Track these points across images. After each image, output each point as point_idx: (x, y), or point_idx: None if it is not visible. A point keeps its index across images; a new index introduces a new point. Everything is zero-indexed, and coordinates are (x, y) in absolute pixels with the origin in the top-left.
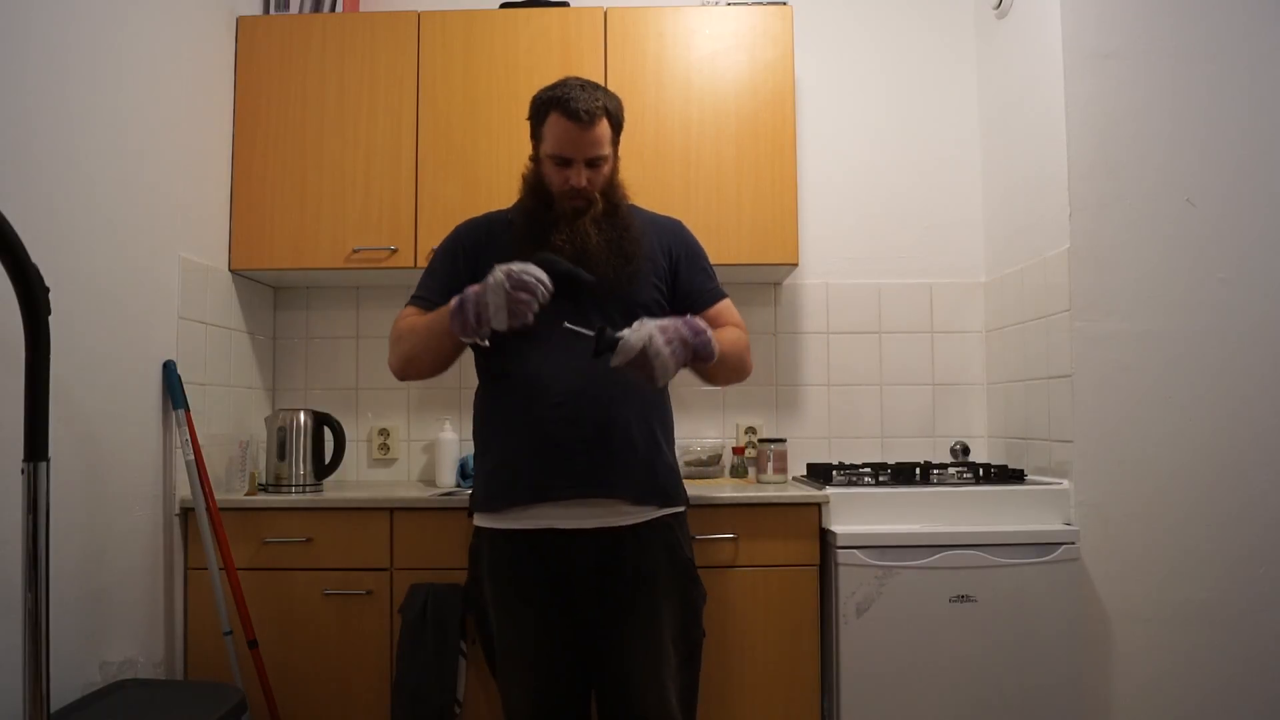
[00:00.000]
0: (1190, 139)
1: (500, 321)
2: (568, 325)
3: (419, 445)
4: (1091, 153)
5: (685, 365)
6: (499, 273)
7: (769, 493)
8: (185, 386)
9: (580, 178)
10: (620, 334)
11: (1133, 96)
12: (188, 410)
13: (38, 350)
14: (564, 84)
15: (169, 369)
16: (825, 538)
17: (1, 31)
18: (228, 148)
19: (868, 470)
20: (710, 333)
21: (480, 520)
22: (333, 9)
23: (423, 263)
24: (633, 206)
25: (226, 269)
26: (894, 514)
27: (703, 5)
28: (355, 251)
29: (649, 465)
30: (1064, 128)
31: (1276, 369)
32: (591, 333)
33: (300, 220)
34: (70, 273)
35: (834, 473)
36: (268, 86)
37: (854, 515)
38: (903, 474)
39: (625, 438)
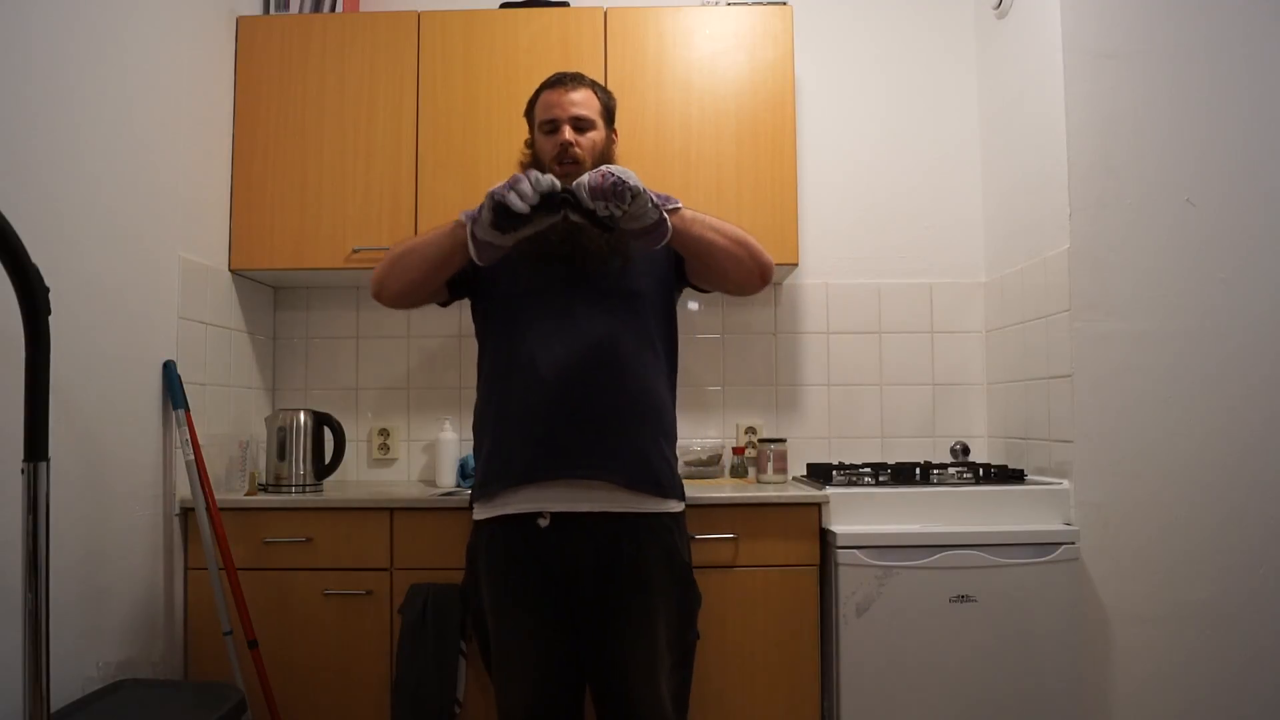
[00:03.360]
0: (1190, 139)
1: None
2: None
3: (419, 445)
4: (1091, 153)
5: (650, 201)
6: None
7: (769, 493)
8: (185, 386)
9: (566, 134)
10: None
11: (1133, 96)
12: (188, 410)
13: (38, 350)
14: None
15: (169, 369)
16: (825, 538)
17: (2, 32)
18: (228, 148)
19: (868, 470)
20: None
21: (478, 511)
22: (333, 9)
23: None
24: None
25: (226, 269)
26: (894, 514)
27: (703, 5)
28: (355, 251)
29: (640, 451)
30: (1064, 128)
31: (1276, 369)
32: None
33: (300, 220)
34: (70, 273)
35: (834, 473)
36: (268, 86)
37: (854, 515)
38: (903, 474)
39: (615, 420)
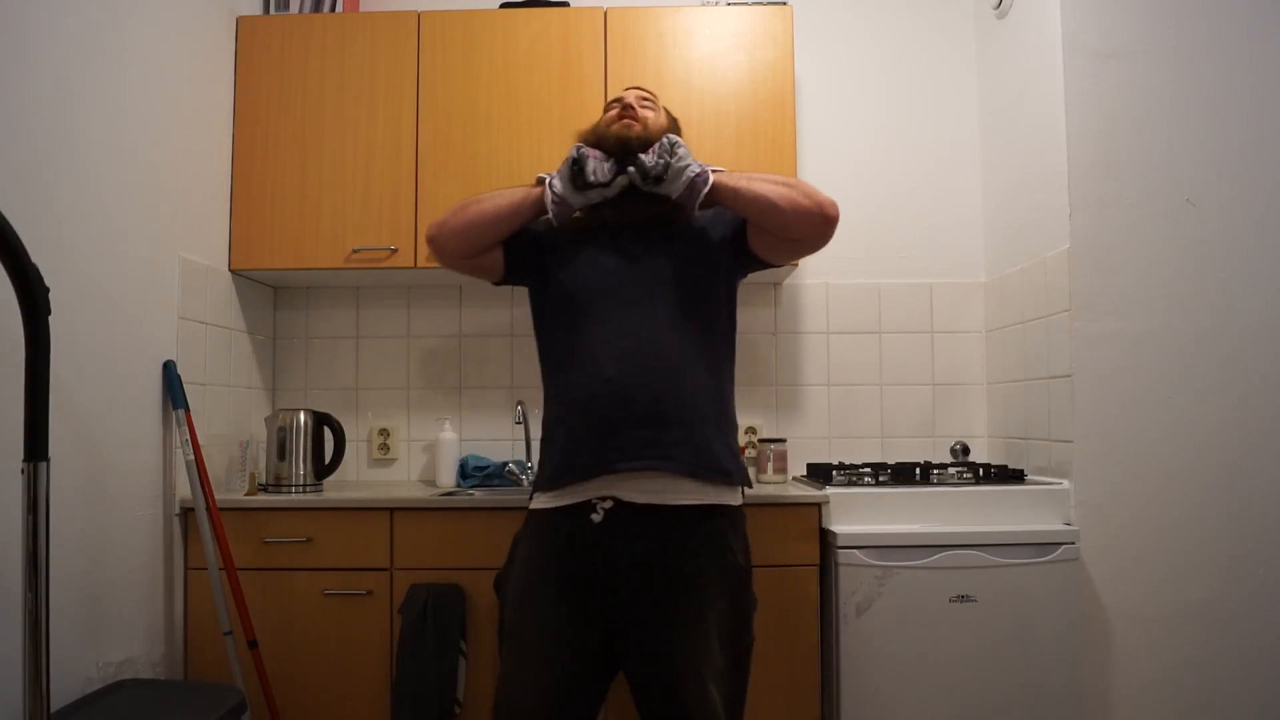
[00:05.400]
0: (1190, 139)
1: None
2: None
3: (419, 445)
4: (1091, 153)
5: (690, 156)
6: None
7: (769, 492)
8: (185, 386)
9: (630, 96)
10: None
11: (1133, 96)
12: (188, 410)
13: (38, 350)
14: None
15: (169, 369)
16: (825, 538)
17: (2, 32)
18: (228, 148)
19: (868, 470)
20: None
21: (538, 501)
22: (333, 9)
23: (423, 263)
24: None
25: (226, 269)
26: (894, 514)
27: (703, 5)
28: (355, 251)
29: (704, 439)
30: (1064, 127)
31: (1276, 369)
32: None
33: (300, 220)
34: (70, 273)
35: (834, 473)
36: (268, 86)
37: (854, 515)
38: (903, 474)
39: (677, 412)
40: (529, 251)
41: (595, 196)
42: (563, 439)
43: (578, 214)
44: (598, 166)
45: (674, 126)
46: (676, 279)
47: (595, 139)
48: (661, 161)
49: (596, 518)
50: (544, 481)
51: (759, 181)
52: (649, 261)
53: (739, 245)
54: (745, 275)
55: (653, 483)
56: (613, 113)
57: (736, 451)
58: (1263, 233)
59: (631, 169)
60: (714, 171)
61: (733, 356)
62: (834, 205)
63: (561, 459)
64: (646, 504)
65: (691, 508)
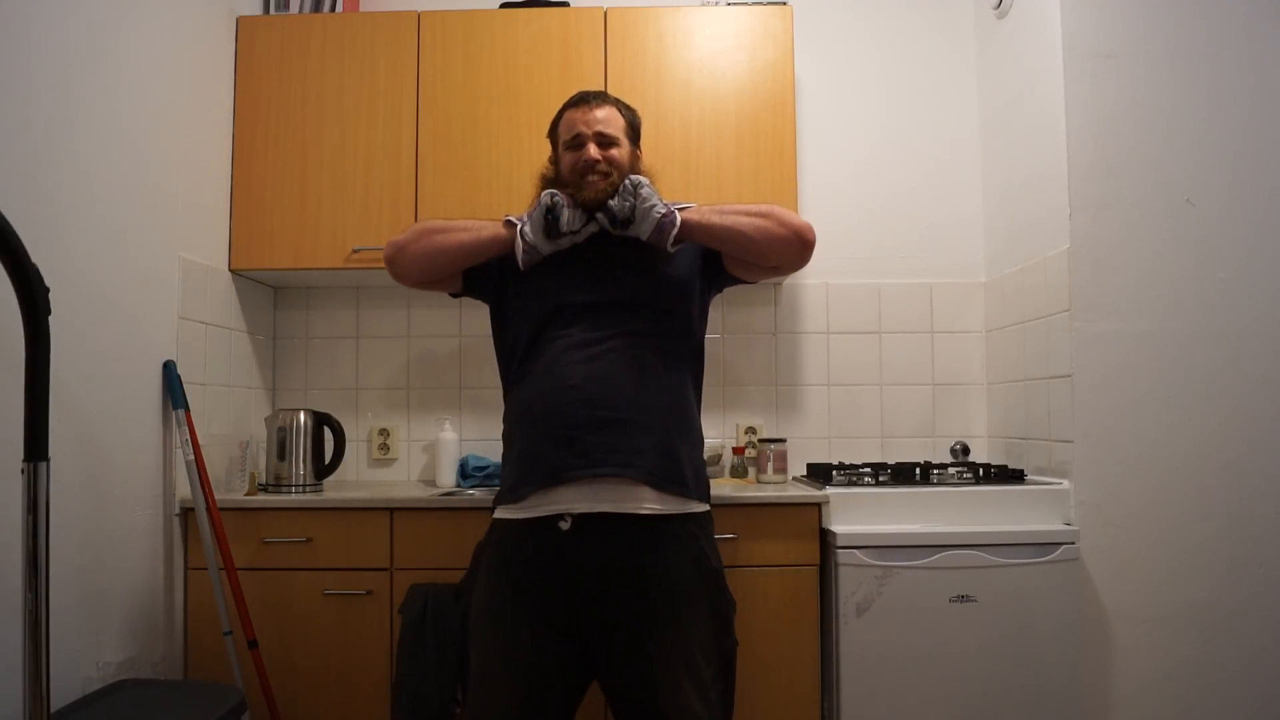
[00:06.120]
0: (1190, 139)
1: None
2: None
3: (419, 445)
4: (1091, 153)
5: (657, 196)
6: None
7: (769, 493)
8: (185, 386)
9: (592, 150)
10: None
11: (1133, 96)
12: (188, 410)
13: (38, 350)
14: None
15: (169, 369)
16: (825, 538)
17: (2, 32)
18: (228, 148)
19: (868, 470)
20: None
21: (500, 513)
22: (333, 9)
23: None
24: None
25: (226, 269)
26: (894, 514)
27: (703, 5)
28: (355, 251)
29: (665, 449)
30: (1064, 128)
31: (1276, 369)
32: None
33: (300, 220)
34: (70, 273)
35: (834, 473)
36: (268, 86)
37: (854, 515)
38: (903, 474)
39: (640, 421)
40: (489, 276)
41: (565, 244)
42: (523, 442)
43: None
44: (570, 215)
45: (634, 126)
46: (644, 294)
47: (566, 190)
48: (627, 204)
49: (565, 525)
50: (505, 493)
51: (731, 215)
52: (616, 277)
53: (713, 267)
54: (720, 291)
55: (614, 490)
56: (570, 160)
57: (700, 465)
58: (1263, 233)
59: (600, 215)
60: (681, 209)
61: (700, 371)
62: (810, 230)
63: (521, 466)
64: (611, 513)
65: (661, 515)
